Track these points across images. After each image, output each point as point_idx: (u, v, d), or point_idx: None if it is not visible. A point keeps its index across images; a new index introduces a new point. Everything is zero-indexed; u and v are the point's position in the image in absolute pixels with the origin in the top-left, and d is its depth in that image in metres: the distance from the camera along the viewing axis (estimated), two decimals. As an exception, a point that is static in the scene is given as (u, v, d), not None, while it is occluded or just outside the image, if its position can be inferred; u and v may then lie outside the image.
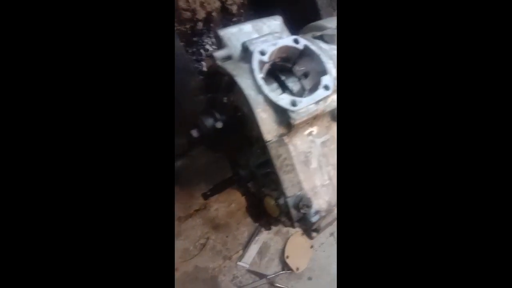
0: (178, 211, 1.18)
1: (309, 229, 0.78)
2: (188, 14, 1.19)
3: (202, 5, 1.22)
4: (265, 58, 0.69)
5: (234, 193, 1.31)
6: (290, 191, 0.72)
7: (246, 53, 0.70)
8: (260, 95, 0.67)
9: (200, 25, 1.22)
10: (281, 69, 0.79)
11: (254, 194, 0.90)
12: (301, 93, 0.78)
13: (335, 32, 0.82)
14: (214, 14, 1.25)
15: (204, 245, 1.24)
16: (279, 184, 0.71)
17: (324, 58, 0.76)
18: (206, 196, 0.92)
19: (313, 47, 0.76)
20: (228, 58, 0.73)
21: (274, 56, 0.74)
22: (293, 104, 0.67)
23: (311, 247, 1.56)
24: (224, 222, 1.28)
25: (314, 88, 0.73)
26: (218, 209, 1.26)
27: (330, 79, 0.73)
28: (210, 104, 0.92)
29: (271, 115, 0.68)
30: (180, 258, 1.19)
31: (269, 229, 0.90)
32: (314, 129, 0.76)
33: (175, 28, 0.95)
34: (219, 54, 0.72)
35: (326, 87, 0.72)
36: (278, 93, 0.77)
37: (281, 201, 0.73)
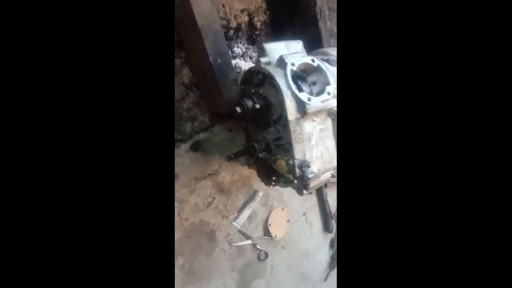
0: (196, 173, 1.48)
1: (302, 185, 1.16)
2: (224, 22, 1.53)
3: (235, 17, 1.57)
4: (294, 68, 1.07)
5: (237, 166, 1.65)
6: (298, 155, 1.09)
7: (281, 63, 1.07)
8: (288, 91, 1.04)
9: (231, 32, 1.56)
10: (298, 76, 1.17)
11: (265, 160, 1.25)
12: (310, 95, 1.17)
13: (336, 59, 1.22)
14: (243, 25, 1.60)
15: (210, 203, 1.55)
16: (291, 150, 1.08)
17: (329, 74, 1.16)
18: (229, 158, 1.25)
19: (322, 66, 1.16)
20: (268, 63, 1.09)
21: (297, 68, 1.12)
22: (309, 99, 1.06)
23: (288, 221, 1.94)
24: (228, 187, 1.61)
25: (320, 93, 1.12)
26: (224, 176, 1.58)
27: (331, 88, 1.13)
28: (242, 93, 1.26)
29: (294, 104, 1.06)
30: (191, 211, 1.49)
31: (273, 185, 1.26)
32: (317, 119, 1.15)
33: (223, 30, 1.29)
34: (263, 60, 1.08)
35: (329, 93, 1.12)
36: (298, 92, 1.15)
37: (290, 161, 1.10)
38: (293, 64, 1.07)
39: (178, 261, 1.48)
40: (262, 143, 1.22)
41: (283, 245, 1.95)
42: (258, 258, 1.83)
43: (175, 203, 1.43)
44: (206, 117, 1.50)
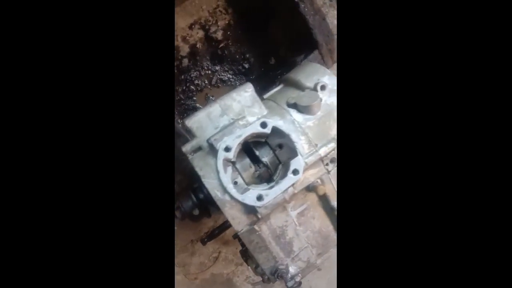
0: (190, 236, 1.35)
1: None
2: (172, 52, 1.16)
3: (184, 39, 1.17)
4: (230, 155, 0.71)
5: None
6: (266, 265, 0.80)
7: (212, 149, 0.72)
8: (226, 194, 0.71)
9: (185, 61, 1.19)
10: (255, 141, 0.79)
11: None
12: (275, 165, 0.79)
13: (310, 100, 0.77)
14: (198, 45, 1.19)
15: (216, 257, 1.43)
16: (254, 260, 0.80)
17: (294, 137, 0.74)
18: (204, 242, 1.04)
19: (283, 128, 0.74)
20: (197, 149, 0.75)
21: (244, 140, 0.74)
22: (259, 199, 0.71)
23: (319, 245, 1.69)
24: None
25: (284, 172, 0.74)
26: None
27: (299, 162, 0.73)
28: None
29: (239, 209, 0.73)
30: (197, 270, 1.41)
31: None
32: (290, 204, 0.79)
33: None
34: (187, 147, 0.74)
35: (295, 172, 0.73)
36: (251, 172, 0.80)
37: (259, 270, 0.82)
38: (227, 149, 0.71)
39: (201, 313, 1.48)
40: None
41: (318, 267, 1.74)
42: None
43: (176, 268, 1.36)
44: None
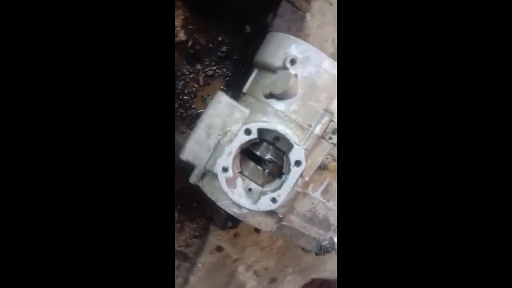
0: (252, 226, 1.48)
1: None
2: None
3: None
4: (230, 174, 0.72)
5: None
6: (309, 246, 0.84)
7: (212, 173, 0.74)
8: (242, 209, 0.74)
9: None
10: (252, 144, 0.78)
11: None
12: (280, 157, 0.77)
13: (283, 83, 0.69)
14: None
15: (281, 227, 1.55)
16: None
17: (282, 129, 0.70)
18: (258, 231, 1.14)
19: (268, 126, 0.70)
20: (204, 175, 0.78)
21: (238, 151, 0.73)
22: (273, 201, 0.72)
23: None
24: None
25: (287, 167, 0.72)
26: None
27: (298, 152, 0.69)
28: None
29: (261, 214, 0.76)
30: (270, 242, 1.57)
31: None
32: (309, 188, 0.78)
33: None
34: (193, 178, 0.77)
35: (298, 163, 0.70)
36: (260, 173, 0.80)
37: (306, 250, 0.87)
38: (225, 170, 0.71)
39: (289, 270, 1.68)
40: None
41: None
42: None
43: (251, 247, 1.54)
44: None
